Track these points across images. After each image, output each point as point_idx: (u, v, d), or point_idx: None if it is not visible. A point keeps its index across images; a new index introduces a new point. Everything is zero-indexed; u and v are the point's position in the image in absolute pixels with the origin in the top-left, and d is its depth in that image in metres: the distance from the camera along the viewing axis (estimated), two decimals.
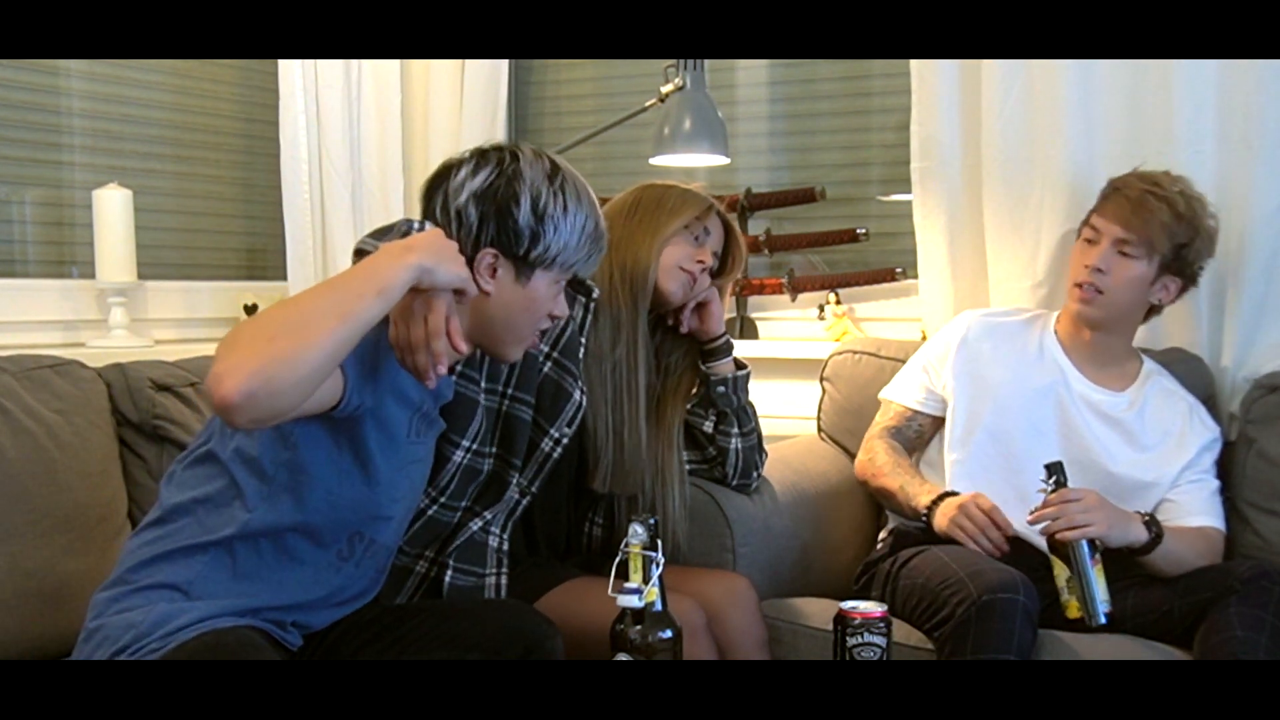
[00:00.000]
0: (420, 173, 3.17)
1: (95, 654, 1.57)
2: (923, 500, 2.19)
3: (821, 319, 2.93)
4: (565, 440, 2.01)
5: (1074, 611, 1.97)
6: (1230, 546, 2.20)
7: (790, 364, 2.86)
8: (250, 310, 3.02)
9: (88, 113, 2.92)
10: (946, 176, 2.61)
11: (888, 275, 2.88)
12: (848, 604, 1.76)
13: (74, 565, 1.94)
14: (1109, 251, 2.17)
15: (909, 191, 2.68)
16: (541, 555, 2.13)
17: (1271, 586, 1.92)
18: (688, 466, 2.20)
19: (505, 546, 1.98)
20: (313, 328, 1.42)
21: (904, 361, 2.44)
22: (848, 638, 1.74)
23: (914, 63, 2.62)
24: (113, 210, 2.73)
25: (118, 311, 2.76)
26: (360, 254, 1.67)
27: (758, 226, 3.04)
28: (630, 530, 1.61)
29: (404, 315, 1.58)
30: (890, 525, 2.34)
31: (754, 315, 3.02)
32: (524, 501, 2.02)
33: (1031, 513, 2.02)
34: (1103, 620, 1.96)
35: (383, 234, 1.69)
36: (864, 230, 2.91)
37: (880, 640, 1.73)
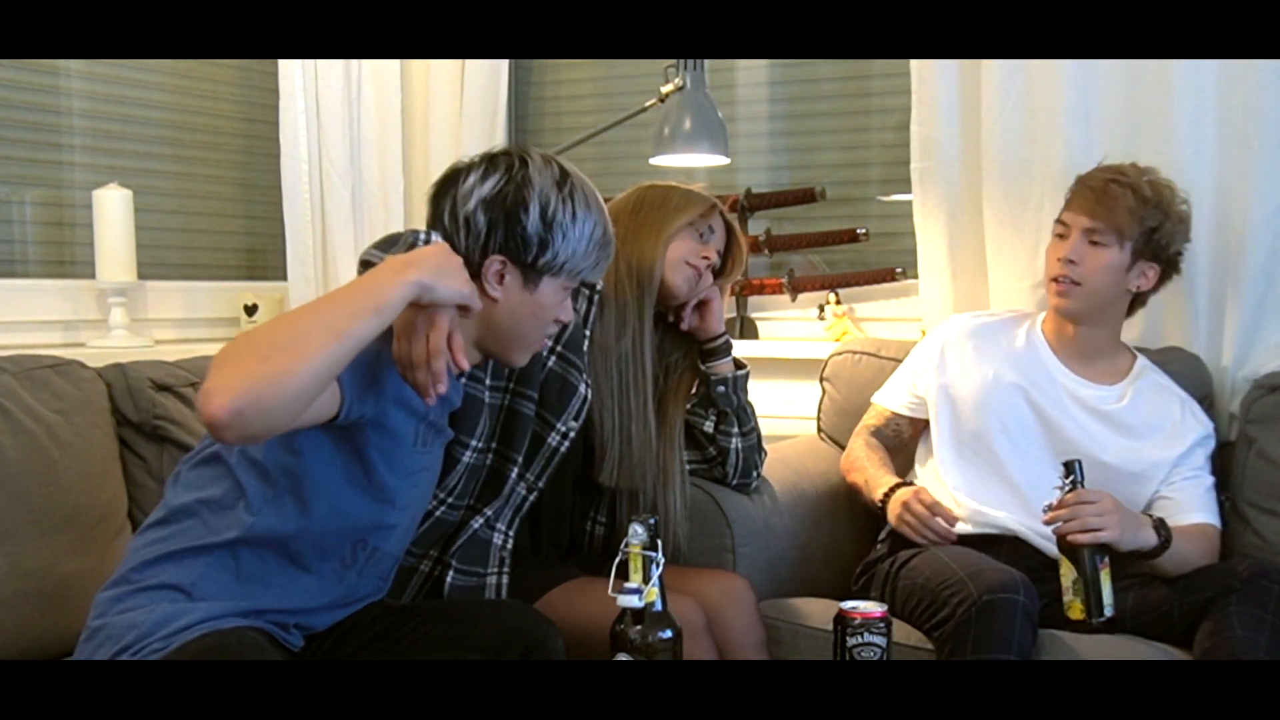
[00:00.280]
0: (420, 172, 3.18)
1: (97, 653, 1.57)
2: (878, 494, 2.26)
3: (821, 319, 2.93)
4: (572, 434, 2.01)
5: (1077, 613, 1.97)
6: (1230, 546, 2.20)
7: (790, 364, 2.86)
8: (250, 310, 3.02)
9: (88, 113, 2.93)
10: (946, 176, 2.61)
11: (888, 275, 2.88)
12: (848, 604, 1.76)
13: (74, 565, 1.94)
14: (1079, 242, 2.18)
15: (909, 191, 2.69)
16: (544, 553, 2.13)
17: (1271, 585, 1.92)
18: (688, 466, 2.20)
19: (509, 545, 1.98)
20: (305, 346, 1.41)
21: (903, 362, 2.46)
22: (848, 638, 1.74)
23: (914, 63, 2.62)
24: (113, 210, 2.74)
25: (118, 311, 2.76)
26: (365, 265, 1.67)
27: (758, 226, 3.04)
28: (630, 530, 1.61)
29: (406, 331, 1.57)
30: (890, 525, 2.34)
31: (754, 315, 3.02)
32: (531, 498, 2.02)
33: (1045, 510, 2.02)
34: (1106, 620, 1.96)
35: (389, 244, 1.69)
36: (864, 230, 2.91)
37: (880, 640, 1.73)
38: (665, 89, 2.68)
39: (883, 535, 2.33)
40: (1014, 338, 2.32)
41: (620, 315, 2.08)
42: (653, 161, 2.74)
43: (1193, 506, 2.16)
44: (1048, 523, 2.01)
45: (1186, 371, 2.34)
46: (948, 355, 2.33)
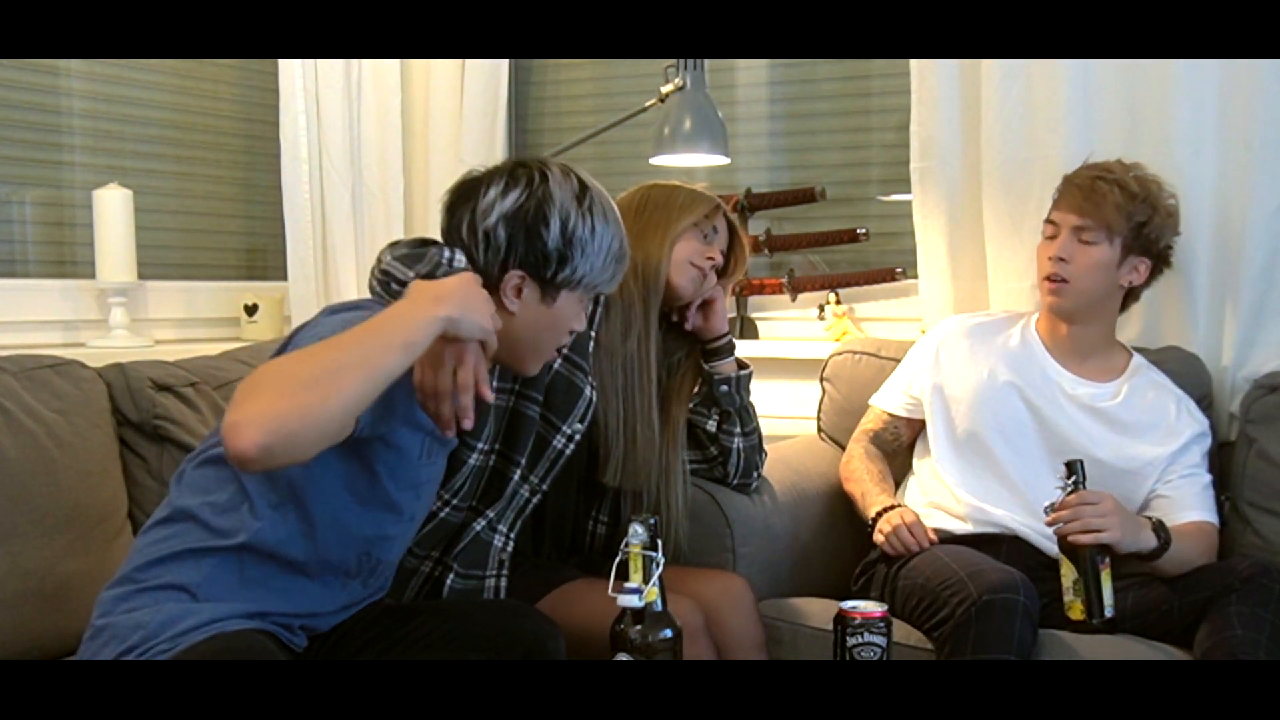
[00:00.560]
0: (420, 172, 3.18)
1: (101, 652, 1.57)
2: (870, 512, 2.26)
3: (821, 319, 2.93)
4: (578, 437, 2.01)
5: (1077, 613, 1.97)
6: (1231, 546, 2.20)
7: (790, 364, 2.86)
8: (250, 310, 3.02)
9: (88, 113, 2.92)
10: (946, 176, 2.61)
11: (888, 275, 2.88)
12: (848, 604, 1.76)
13: (74, 565, 1.94)
14: (1069, 241, 2.18)
15: (909, 191, 2.69)
16: (545, 554, 2.13)
17: (1271, 585, 1.92)
18: (689, 466, 2.20)
19: (510, 548, 1.98)
20: (335, 382, 1.40)
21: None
22: (848, 638, 1.74)
23: (914, 63, 2.62)
24: (113, 210, 2.73)
25: (118, 311, 2.76)
26: (388, 275, 1.68)
27: (758, 226, 3.04)
28: (630, 530, 1.61)
29: (432, 361, 1.57)
30: None
31: (754, 315, 3.02)
32: (534, 500, 2.02)
33: (1047, 509, 2.02)
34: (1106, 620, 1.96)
35: (413, 260, 1.69)
36: (864, 230, 2.91)
37: (880, 640, 1.73)
38: (665, 89, 2.67)
39: None
40: (1008, 336, 2.32)
41: (626, 316, 2.08)
42: (653, 161, 2.74)
43: (1190, 504, 2.16)
44: (1050, 524, 2.01)
45: (1186, 371, 2.34)
46: (942, 355, 2.34)
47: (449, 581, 1.92)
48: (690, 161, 2.76)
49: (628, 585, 1.60)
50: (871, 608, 1.75)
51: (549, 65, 3.34)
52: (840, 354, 2.67)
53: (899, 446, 2.41)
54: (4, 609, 1.86)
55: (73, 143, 2.92)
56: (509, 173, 1.73)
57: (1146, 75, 2.40)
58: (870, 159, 3.07)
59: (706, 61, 2.69)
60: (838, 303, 2.92)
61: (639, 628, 1.61)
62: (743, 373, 2.21)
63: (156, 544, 1.63)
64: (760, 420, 2.27)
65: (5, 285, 2.70)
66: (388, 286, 1.69)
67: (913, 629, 2.06)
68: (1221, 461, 2.28)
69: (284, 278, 3.08)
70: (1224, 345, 2.40)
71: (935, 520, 2.24)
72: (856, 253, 3.00)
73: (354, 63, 3.06)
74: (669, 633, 1.62)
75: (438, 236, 1.78)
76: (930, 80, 2.59)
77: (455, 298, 1.54)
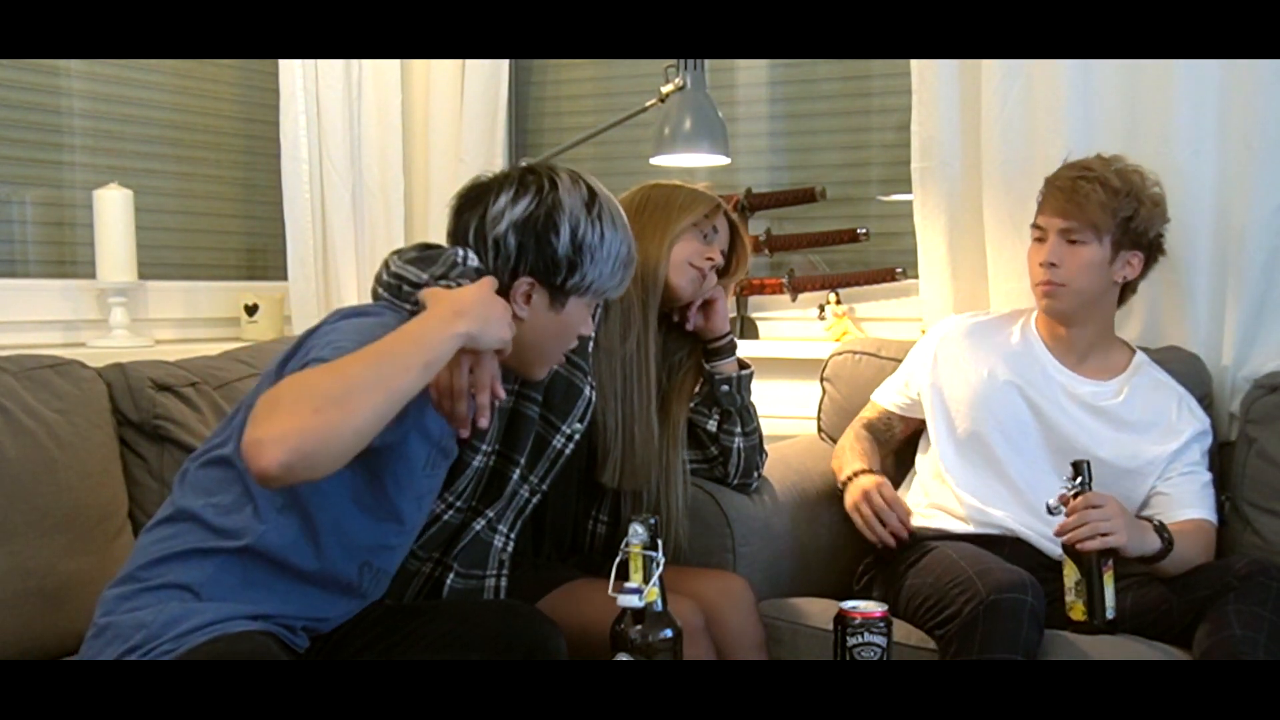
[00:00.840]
0: (420, 172, 3.19)
1: (104, 652, 1.57)
2: (842, 475, 2.28)
3: (822, 319, 2.94)
4: (577, 437, 2.00)
5: (1079, 614, 1.97)
6: (1230, 546, 2.20)
7: (790, 364, 2.86)
8: (251, 310, 3.02)
9: (88, 113, 2.93)
10: (946, 176, 2.61)
11: (888, 275, 2.88)
12: (848, 604, 1.76)
13: (74, 565, 1.94)
14: (1057, 244, 2.18)
15: (909, 191, 2.69)
16: (545, 554, 2.13)
17: (1269, 583, 1.92)
18: (689, 466, 2.20)
19: (510, 548, 1.98)
20: (356, 401, 1.42)
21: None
22: (848, 638, 1.74)
23: (914, 63, 2.62)
24: (113, 210, 2.74)
25: (118, 311, 2.76)
26: (399, 279, 1.67)
27: (758, 226, 3.04)
28: (630, 530, 1.61)
29: (448, 363, 1.58)
30: None
31: (754, 315, 3.02)
32: (533, 500, 2.02)
33: (1048, 509, 2.02)
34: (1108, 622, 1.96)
35: (427, 263, 1.69)
36: (864, 230, 2.91)
37: (880, 640, 1.73)
38: (665, 89, 2.67)
39: None
40: (1009, 335, 2.32)
41: (625, 317, 2.08)
42: (653, 161, 2.74)
43: (1189, 502, 2.16)
44: (1058, 534, 2.00)
45: (1186, 371, 2.34)
46: (940, 355, 2.34)
47: (449, 581, 1.92)
48: (690, 161, 2.76)
49: (628, 585, 1.60)
50: (871, 608, 1.75)
51: (549, 65, 3.34)
52: (840, 354, 2.67)
53: (890, 438, 2.42)
54: (5, 609, 1.86)
55: (73, 143, 2.92)
56: (519, 180, 1.74)
57: (1146, 75, 2.40)
58: (870, 159, 3.07)
59: (706, 61, 2.69)
60: (838, 303, 2.92)
61: (639, 628, 1.61)
62: (744, 373, 2.21)
63: (160, 543, 1.63)
64: (761, 420, 2.27)
65: (5, 285, 2.70)
66: (399, 291, 1.69)
67: (914, 629, 2.06)
68: (1221, 461, 2.28)
69: (284, 278, 3.08)
70: (1224, 345, 2.40)
71: (937, 521, 2.24)
72: (856, 253, 3.00)
73: (354, 63, 3.07)
74: (669, 633, 1.62)
75: (438, 237, 1.78)
76: (930, 80, 2.59)
77: (475, 311, 1.56)
